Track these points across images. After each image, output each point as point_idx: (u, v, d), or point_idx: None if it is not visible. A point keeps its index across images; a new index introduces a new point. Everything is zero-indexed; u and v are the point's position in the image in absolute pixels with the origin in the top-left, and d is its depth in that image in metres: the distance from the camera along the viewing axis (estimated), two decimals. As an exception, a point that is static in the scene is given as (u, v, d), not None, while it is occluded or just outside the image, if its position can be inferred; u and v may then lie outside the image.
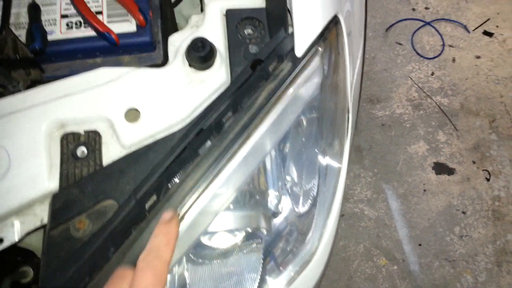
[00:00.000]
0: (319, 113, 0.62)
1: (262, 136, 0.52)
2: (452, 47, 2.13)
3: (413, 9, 2.22)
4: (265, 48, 0.56)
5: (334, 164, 0.65)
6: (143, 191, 0.51)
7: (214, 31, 0.61)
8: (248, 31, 0.60)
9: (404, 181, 1.88)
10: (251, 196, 0.58)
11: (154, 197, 0.51)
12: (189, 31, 0.63)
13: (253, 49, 0.58)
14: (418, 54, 2.10)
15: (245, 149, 0.51)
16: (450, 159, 1.91)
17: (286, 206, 0.65)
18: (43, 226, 0.56)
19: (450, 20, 2.17)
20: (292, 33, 0.55)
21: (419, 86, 2.04)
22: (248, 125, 0.51)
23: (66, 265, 0.49)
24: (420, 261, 1.73)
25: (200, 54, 0.55)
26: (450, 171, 1.89)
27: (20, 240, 0.56)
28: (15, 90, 0.61)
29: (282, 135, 0.55)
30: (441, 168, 1.90)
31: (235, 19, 0.60)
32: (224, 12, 0.61)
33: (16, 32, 0.61)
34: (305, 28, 0.54)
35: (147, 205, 0.51)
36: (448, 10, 2.21)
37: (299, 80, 0.54)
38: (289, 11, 0.57)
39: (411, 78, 2.06)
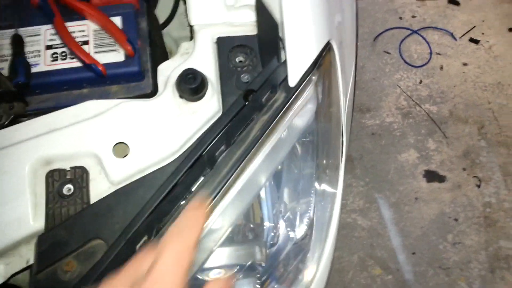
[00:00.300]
0: (313, 139, 0.61)
1: (257, 169, 0.50)
2: (440, 54, 2.14)
3: (400, 18, 2.23)
4: (258, 78, 0.54)
5: (329, 189, 0.63)
6: (133, 231, 0.49)
7: (205, 59, 0.59)
8: (240, 58, 0.59)
9: (396, 189, 1.88)
10: (246, 230, 0.56)
11: (145, 237, 0.49)
12: (179, 59, 0.61)
13: (245, 78, 0.57)
14: (406, 62, 2.12)
15: (239, 184, 0.50)
16: (441, 167, 1.92)
17: (282, 233, 0.64)
18: (29, 267, 0.54)
19: (437, 28, 2.19)
20: (285, 62, 0.54)
21: (407, 95, 2.05)
22: (242, 159, 0.50)
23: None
24: (415, 270, 1.73)
25: (191, 86, 0.54)
26: (441, 179, 1.90)
27: (5, 282, 0.54)
28: (-3, 125, 0.59)
29: (277, 167, 0.53)
30: (432, 176, 1.90)
31: (226, 47, 0.59)
32: (215, 40, 0.60)
33: (0, 65, 0.59)
34: (298, 57, 0.53)
35: (137, 246, 0.49)
36: (435, 18, 2.23)
37: (293, 110, 0.53)
38: (281, 39, 0.55)
39: (400, 87, 2.07)
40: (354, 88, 1.00)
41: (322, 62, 0.55)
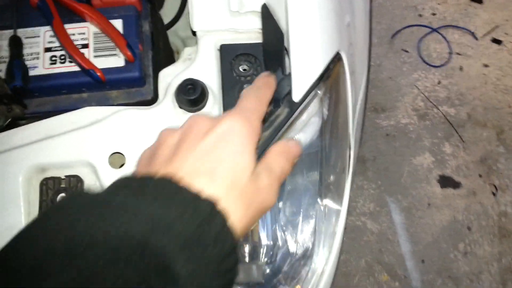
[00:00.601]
0: (318, 154, 0.58)
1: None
2: (460, 55, 2.07)
3: (420, 15, 2.16)
4: (260, 90, 0.52)
5: (334, 205, 0.61)
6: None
7: (207, 67, 0.57)
8: (243, 67, 0.56)
9: (408, 194, 1.83)
10: (243, 249, 0.54)
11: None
12: (182, 66, 0.59)
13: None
14: (424, 62, 2.05)
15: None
16: (456, 172, 1.86)
17: (282, 249, 0.62)
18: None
19: (458, 27, 2.12)
20: (290, 75, 0.51)
21: (425, 95, 1.99)
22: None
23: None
24: (423, 278, 1.69)
25: (190, 97, 0.52)
26: (456, 185, 1.85)
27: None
28: (-5, 127, 0.58)
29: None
30: (446, 181, 1.85)
31: (229, 55, 0.56)
32: (218, 47, 0.57)
33: (-3, 67, 0.58)
34: (303, 70, 0.50)
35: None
36: (456, 16, 2.15)
37: (296, 127, 0.50)
38: (286, 50, 0.53)
39: (417, 87, 2.01)
40: (367, 90, 0.96)
41: (330, 73, 0.52)
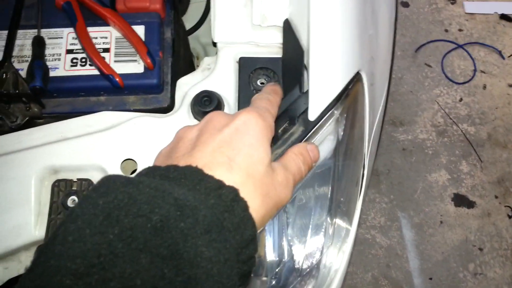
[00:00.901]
0: (330, 172, 0.57)
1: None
2: (484, 73, 2.03)
3: (446, 30, 2.12)
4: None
5: (343, 224, 0.60)
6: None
7: (225, 79, 0.57)
8: (261, 81, 0.56)
9: (421, 210, 1.81)
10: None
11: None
12: (200, 75, 0.59)
13: (264, 103, 0.54)
14: (447, 77, 2.02)
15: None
16: (472, 192, 1.82)
17: (287, 265, 0.61)
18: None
19: (484, 45, 2.07)
20: (307, 93, 0.50)
21: (445, 112, 1.96)
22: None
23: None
24: (430, 297, 1.67)
25: (206, 110, 0.52)
26: (470, 204, 1.81)
27: (2, 286, 0.54)
28: (13, 125, 0.59)
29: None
30: (461, 200, 1.82)
31: (248, 68, 0.56)
32: (237, 60, 0.57)
33: (19, 65, 0.59)
34: (321, 89, 0.49)
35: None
36: (483, 33, 2.11)
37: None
38: (305, 67, 0.52)
39: (438, 103, 1.98)
40: (386, 104, 0.95)
41: (349, 93, 0.52)
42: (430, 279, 1.69)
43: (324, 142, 0.51)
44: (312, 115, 0.49)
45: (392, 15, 0.80)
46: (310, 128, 0.49)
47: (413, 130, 1.93)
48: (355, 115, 0.55)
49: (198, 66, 0.85)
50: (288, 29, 0.55)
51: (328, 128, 0.51)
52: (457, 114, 1.96)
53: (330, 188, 0.58)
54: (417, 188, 1.84)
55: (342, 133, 0.53)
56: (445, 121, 1.94)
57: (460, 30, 2.12)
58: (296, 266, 0.60)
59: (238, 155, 0.37)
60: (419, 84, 2.02)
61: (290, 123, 0.50)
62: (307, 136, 0.49)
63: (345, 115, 0.53)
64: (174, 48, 0.64)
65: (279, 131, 0.50)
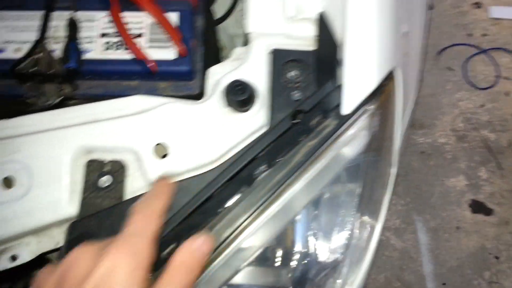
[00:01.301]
0: (361, 168, 0.57)
1: (296, 195, 0.48)
2: (508, 79, 2.00)
3: (470, 35, 2.09)
4: (310, 99, 0.52)
5: (370, 221, 0.60)
6: (163, 235, 0.48)
7: (257, 70, 0.57)
8: (292, 74, 0.56)
9: (437, 215, 1.79)
10: (274, 253, 0.54)
11: (173, 245, 0.48)
12: (231, 65, 0.60)
13: (296, 95, 0.54)
14: (469, 82, 1.99)
15: (276, 208, 0.48)
16: (490, 199, 1.80)
17: (311, 257, 0.61)
18: (57, 249, 0.55)
19: (509, 51, 2.04)
20: (340, 87, 0.50)
21: (466, 117, 1.93)
22: (282, 182, 0.47)
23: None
24: (442, 302, 1.65)
25: (239, 98, 0.52)
26: (488, 211, 1.78)
27: (34, 259, 0.55)
28: (45, 105, 0.60)
29: (317, 195, 0.51)
30: (478, 207, 1.79)
31: (280, 60, 0.56)
32: (270, 51, 0.57)
33: (54, 46, 0.60)
34: (356, 84, 0.49)
35: (164, 252, 0.48)
36: (508, 39, 2.07)
37: (343, 140, 0.49)
38: (339, 61, 0.52)
39: (459, 107, 1.95)
40: (414, 104, 0.94)
41: (383, 90, 0.51)
42: (444, 284, 1.68)
43: (357, 137, 0.51)
44: (346, 109, 0.49)
45: (424, 15, 0.79)
46: (343, 122, 0.49)
47: (433, 134, 1.91)
48: (387, 113, 0.55)
49: (223, 57, 0.86)
50: (322, 22, 0.55)
51: (362, 123, 0.51)
52: (478, 120, 1.93)
53: (359, 184, 0.58)
54: (434, 192, 1.82)
55: (375, 129, 0.53)
56: (465, 126, 1.92)
57: (484, 35, 2.09)
58: (321, 260, 0.61)
59: None
60: (441, 87, 2.00)
61: (323, 116, 0.51)
62: (340, 130, 0.49)
63: (378, 112, 0.53)
64: (205, 37, 0.65)
65: (313, 123, 0.51)
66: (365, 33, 0.50)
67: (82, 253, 0.38)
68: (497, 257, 1.70)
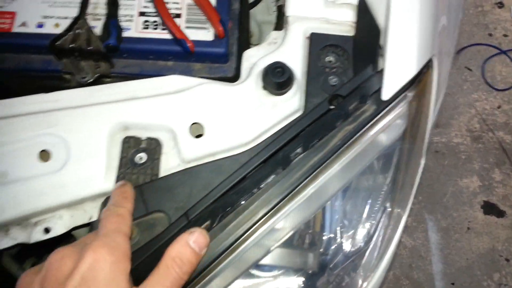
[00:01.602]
0: (393, 158, 0.57)
1: (330, 179, 0.48)
2: (527, 82, 1.98)
3: (490, 34, 2.07)
4: (348, 84, 0.52)
5: (397, 210, 0.60)
6: (198, 213, 0.49)
7: (294, 53, 0.57)
8: (330, 59, 0.56)
9: (449, 214, 1.78)
10: (304, 236, 0.55)
11: (208, 222, 0.49)
12: (266, 48, 0.60)
13: (333, 80, 0.54)
14: (487, 83, 1.97)
15: (310, 191, 0.48)
16: (502, 201, 1.79)
17: (336, 243, 0.62)
18: (90, 224, 0.56)
19: (530, 53, 2.02)
20: (381, 72, 0.50)
21: (482, 118, 1.92)
22: (317, 166, 0.48)
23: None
24: (451, 302, 1.65)
25: (278, 80, 0.52)
26: (500, 213, 1.78)
27: (66, 233, 0.56)
28: (81, 82, 0.61)
29: (351, 180, 0.51)
30: (490, 209, 1.78)
31: (318, 44, 0.56)
32: (308, 35, 0.57)
33: (92, 23, 0.60)
34: (397, 69, 0.49)
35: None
36: (530, 41, 2.05)
37: (381, 125, 0.49)
38: (380, 47, 0.52)
39: (476, 108, 1.94)
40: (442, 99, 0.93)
41: (421, 79, 0.51)
42: (453, 284, 1.67)
43: (394, 124, 0.51)
44: (386, 95, 0.49)
45: (459, 12, 0.78)
46: (382, 107, 0.49)
47: (448, 133, 1.90)
48: (423, 102, 0.55)
49: (252, 44, 0.86)
50: (363, 7, 0.55)
51: (400, 110, 0.51)
52: (494, 121, 1.91)
53: (390, 173, 0.58)
54: (446, 192, 1.82)
55: (410, 118, 0.53)
56: (481, 127, 1.91)
57: (505, 35, 2.07)
58: (346, 247, 0.61)
59: None
60: (458, 87, 1.98)
61: (361, 101, 0.51)
62: (379, 116, 0.49)
63: (415, 100, 0.53)
64: (240, 20, 0.65)
65: (351, 108, 0.51)
66: (408, 20, 0.50)
67: (63, 254, 0.39)
68: (507, 260, 1.70)
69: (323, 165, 0.48)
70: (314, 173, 0.48)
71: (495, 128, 1.90)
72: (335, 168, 0.48)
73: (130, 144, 0.54)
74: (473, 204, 1.80)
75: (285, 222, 0.49)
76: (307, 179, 0.48)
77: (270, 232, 0.48)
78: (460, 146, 1.88)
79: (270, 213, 0.48)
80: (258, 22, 0.91)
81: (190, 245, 0.42)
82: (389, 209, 0.60)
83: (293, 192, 0.47)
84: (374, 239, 0.62)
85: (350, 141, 0.48)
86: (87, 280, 0.36)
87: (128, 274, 0.39)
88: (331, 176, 0.48)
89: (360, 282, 0.63)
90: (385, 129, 0.50)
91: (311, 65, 0.56)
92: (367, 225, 0.61)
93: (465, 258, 1.72)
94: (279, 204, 0.48)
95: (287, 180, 0.48)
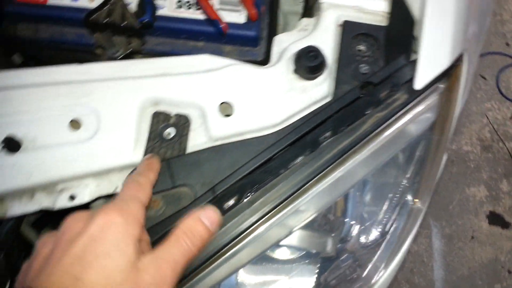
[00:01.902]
0: (418, 150, 0.58)
1: (358, 165, 0.49)
2: (540, 94, 1.97)
3: (507, 44, 2.07)
4: (380, 72, 0.52)
5: (417, 205, 0.61)
6: (224, 188, 0.49)
7: (326, 40, 0.57)
8: (361, 47, 0.57)
9: (454, 222, 1.78)
10: (325, 220, 0.55)
11: (234, 198, 0.49)
12: (297, 35, 0.60)
13: (364, 68, 0.55)
14: (501, 93, 1.97)
15: (337, 174, 0.48)
16: (509, 212, 1.79)
17: (354, 232, 0.62)
18: (114, 194, 0.56)
19: (546, 66, 2.01)
20: (413, 62, 0.51)
21: (493, 127, 1.91)
22: (346, 150, 0.48)
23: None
24: (450, 309, 1.65)
25: (310, 64, 0.53)
26: (505, 225, 1.77)
27: (90, 202, 0.56)
28: (113, 56, 0.61)
29: (377, 168, 0.51)
30: (496, 219, 1.78)
31: (350, 32, 0.57)
32: (340, 23, 0.58)
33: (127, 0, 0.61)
34: (431, 60, 0.50)
35: (224, 205, 0.49)
36: (546, 53, 2.05)
37: (412, 115, 0.50)
38: (414, 38, 0.52)
39: (487, 117, 1.93)
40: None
41: (452, 72, 0.52)
42: (453, 291, 1.68)
43: (425, 115, 0.52)
44: (419, 84, 0.50)
45: (488, 18, 0.79)
46: (414, 97, 0.50)
47: (458, 141, 1.90)
48: (452, 96, 0.56)
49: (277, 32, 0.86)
50: (398, -2, 0.55)
51: (431, 101, 0.51)
52: (506, 132, 1.91)
53: (413, 165, 0.58)
54: (453, 200, 1.82)
55: (439, 110, 0.53)
56: (492, 137, 1.91)
57: (522, 47, 2.07)
58: (365, 237, 0.61)
59: (89, 271, 0.36)
60: (471, 95, 1.98)
61: (392, 90, 0.51)
62: (410, 105, 0.50)
63: (446, 93, 0.53)
64: (272, 5, 0.65)
65: (382, 95, 0.51)
66: (444, 11, 0.50)
67: (78, 216, 0.40)
68: (510, 271, 1.70)
69: (352, 150, 0.48)
70: (342, 157, 0.48)
71: (506, 138, 1.90)
72: (364, 154, 0.49)
73: (160, 119, 0.55)
74: (478, 213, 1.80)
75: (309, 204, 0.49)
76: (335, 163, 0.48)
77: (295, 212, 0.49)
78: (469, 154, 1.88)
79: (296, 194, 0.48)
80: (284, 12, 0.91)
81: (202, 220, 0.43)
82: (410, 203, 0.60)
83: (320, 175, 0.48)
84: (391, 231, 0.63)
85: (381, 128, 0.48)
86: (95, 239, 0.37)
87: (136, 240, 0.39)
88: (359, 161, 0.49)
89: (372, 274, 0.64)
90: (415, 119, 0.50)
91: (342, 52, 0.56)
92: (386, 217, 0.61)
93: (467, 266, 1.72)
94: (306, 186, 0.48)
95: (315, 163, 0.48)
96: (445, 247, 1.75)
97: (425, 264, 1.73)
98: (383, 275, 0.65)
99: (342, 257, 0.62)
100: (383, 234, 0.63)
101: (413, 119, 0.50)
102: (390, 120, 0.49)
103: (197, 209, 0.44)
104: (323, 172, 0.48)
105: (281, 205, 0.49)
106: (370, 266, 0.64)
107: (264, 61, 0.61)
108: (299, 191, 0.48)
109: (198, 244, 0.41)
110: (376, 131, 0.49)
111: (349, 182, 0.50)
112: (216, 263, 0.49)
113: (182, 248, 0.40)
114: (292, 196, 0.48)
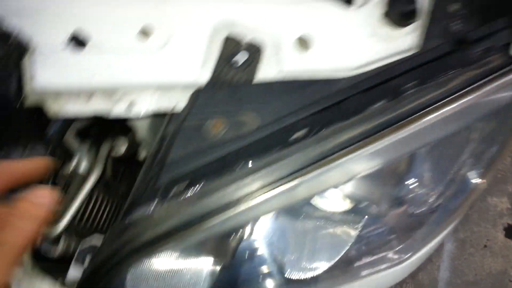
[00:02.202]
0: (487, 128, 0.55)
1: (439, 122, 0.46)
2: None
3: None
4: (474, 32, 0.49)
5: (475, 181, 0.58)
6: (294, 120, 0.47)
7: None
8: (456, 7, 0.53)
9: (469, 228, 1.75)
10: (386, 177, 0.53)
11: (302, 131, 0.47)
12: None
13: (455, 27, 0.51)
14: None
15: (416, 127, 0.45)
16: (527, 229, 1.75)
17: (414, 196, 0.60)
18: (171, 114, 0.54)
19: None
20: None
21: (529, 141, 1.86)
22: (430, 104, 0.45)
23: (189, 159, 0.47)
24: (450, 311, 1.64)
25: (404, 9, 0.49)
26: (521, 240, 1.74)
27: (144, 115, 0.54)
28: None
29: (457, 130, 0.48)
30: (513, 233, 1.75)
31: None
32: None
33: None
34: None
35: (291, 138, 0.47)
36: None
37: (503, 81, 0.46)
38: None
39: (524, 130, 1.88)
40: None
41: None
42: (455, 295, 1.66)
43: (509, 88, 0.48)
44: (517, 50, 0.46)
45: None
46: (509, 62, 0.47)
47: (489, 148, 1.86)
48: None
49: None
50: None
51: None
52: (540, 148, 1.86)
53: (479, 136, 0.56)
54: (473, 205, 1.78)
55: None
56: (525, 151, 1.85)
57: None
58: (416, 205, 0.59)
59: None
60: None
61: (487, 51, 0.48)
62: (504, 70, 0.47)
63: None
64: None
65: (475, 55, 0.48)
66: None
67: None
68: (516, 286, 1.68)
69: (437, 104, 0.45)
70: (425, 111, 0.45)
71: (539, 155, 1.84)
72: (447, 111, 0.45)
73: (231, 44, 0.52)
74: (496, 224, 1.76)
75: (380, 152, 0.46)
76: (416, 115, 0.45)
77: (363, 158, 0.46)
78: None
79: (369, 138, 0.46)
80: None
81: (39, 200, 0.41)
82: (472, 182, 0.58)
83: (400, 123, 0.45)
84: (440, 208, 0.61)
85: (470, 87, 0.45)
86: None
87: None
88: (441, 118, 0.45)
89: (409, 248, 0.62)
90: (505, 86, 0.47)
91: (436, 7, 0.53)
92: (443, 189, 0.59)
93: (474, 273, 1.70)
94: (380, 132, 0.46)
95: (394, 111, 0.45)
96: (456, 250, 1.73)
97: (432, 263, 1.72)
98: (418, 253, 0.64)
99: (386, 221, 0.60)
100: (433, 210, 0.61)
101: (503, 86, 0.47)
102: (481, 82, 0.46)
103: (34, 189, 0.42)
104: (404, 121, 0.45)
105: (351, 147, 0.46)
106: (409, 240, 0.62)
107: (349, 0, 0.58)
108: (372, 136, 0.45)
109: (35, 225, 0.40)
110: (465, 90, 0.46)
111: (427, 137, 0.47)
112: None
113: (21, 229, 0.39)
114: (364, 140, 0.46)
